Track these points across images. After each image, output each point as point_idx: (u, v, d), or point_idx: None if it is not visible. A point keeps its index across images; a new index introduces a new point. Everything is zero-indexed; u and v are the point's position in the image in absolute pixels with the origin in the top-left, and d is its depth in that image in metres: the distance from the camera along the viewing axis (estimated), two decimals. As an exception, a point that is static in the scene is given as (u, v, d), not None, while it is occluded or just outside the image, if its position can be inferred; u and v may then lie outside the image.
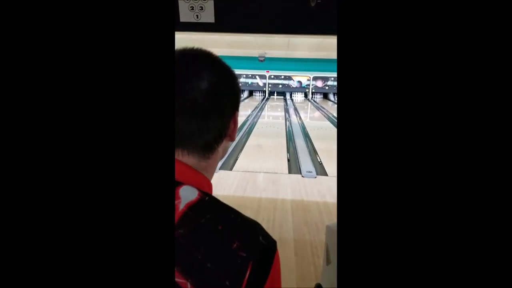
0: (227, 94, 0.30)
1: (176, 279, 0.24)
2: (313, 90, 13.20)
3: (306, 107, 11.34)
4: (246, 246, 0.25)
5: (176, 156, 0.29)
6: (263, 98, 12.81)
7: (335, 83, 13.34)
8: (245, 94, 13.57)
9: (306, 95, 13.38)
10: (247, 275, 0.23)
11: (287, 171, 3.76)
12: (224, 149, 0.37)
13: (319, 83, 13.18)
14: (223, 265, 0.22)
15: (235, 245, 0.25)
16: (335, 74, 12.96)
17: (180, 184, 0.27)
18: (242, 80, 13.45)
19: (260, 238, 0.27)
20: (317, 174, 3.59)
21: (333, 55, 10.83)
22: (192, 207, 0.25)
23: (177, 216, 0.25)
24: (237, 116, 0.32)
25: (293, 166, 3.96)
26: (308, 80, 13.15)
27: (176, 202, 0.25)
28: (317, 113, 9.60)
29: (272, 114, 9.29)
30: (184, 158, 0.29)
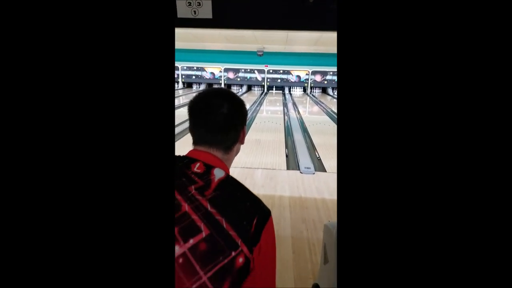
0: (238, 117, 0.48)
1: (215, 217, 0.40)
2: (312, 85, 13.16)
3: (304, 101, 11.31)
4: (254, 206, 0.41)
5: (209, 151, 0.48)
6: (262, 93, 12.78)
7: (334, 78, 13.28)
8: (244, 88, 13.53)
9: (305, 90, 13.35)
10: (254, 222, 0.39)
11: (285, 167, 3.73)
12: (237, 149, 0.60)
13: (318, 78, 13.12)
14: (241, 213, 0.37)
15: (248, 204, 0.42)
16: (334, 69, 12.91)
17: (213, 167, 0.44)
18: (240, 74, 13.41)
19: (261, 204, 0.46)
20: (315, 170, 3.58)
21: (332, 49, 10.77)
22: (222, 181, 0.41)
23: (213, 185, 0.41)
24: (245, 128, 0.52)
25: (292, 162, 3.94)
26: (306, 74, 13.10)
27: (211, 177, 0.41)
28: (316, 108, 9.58)
29: (271, 109, 9.26)
30: (214, 152, 0.47)
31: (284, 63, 13.01)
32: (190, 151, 0.53)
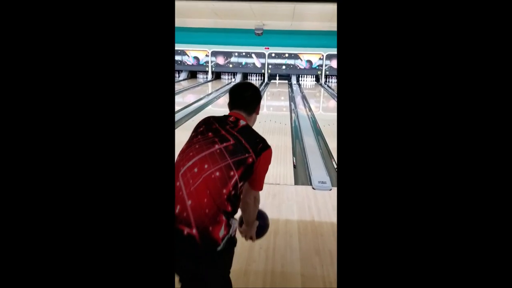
0: (255, 98, 1.38)
1: (238, 137, 1.30)
2: (327, 72, 13.18)
3: (318, 94, 11.34)
4: (260, 139, 1.27)
5: (239, 113, 1.39)
6: (261, 83, 12.82)
7: (356, 63, 13.29)
8: (237, 77, 13.56)
9: (317, 79, 13.41)
10: (259, 146, 1.21)
11: (292, 181, 3.77)
12: (254, 119, 1.54)
13: (335, 63, 12.96)
14: (253, 139, 1.21)
15: (257, 140, 1.28)
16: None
17: (240, 119, 1.30)
18: (233, 59, 13.47)
19: (265, 140, 1.32)
20: (332, 185, 3.57)
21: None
22: (244, 126, 1.26)
23: (239, 126, 1.28)
24: (260, 105, 1.44)
25: (301, 174, 4.00)
26: (320, 59, 13.13)
27: (239, 123, 1.27)
28: (332, 103, 9.57)
29: (273, 105, 9.29)
30: (241, 114, 1.35)
31: (290, 44, 13.09)
32: (229, 113, 1.40)
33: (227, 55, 13.53)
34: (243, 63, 13.51)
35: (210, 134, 1.39)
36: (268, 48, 13.28)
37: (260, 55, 13.41)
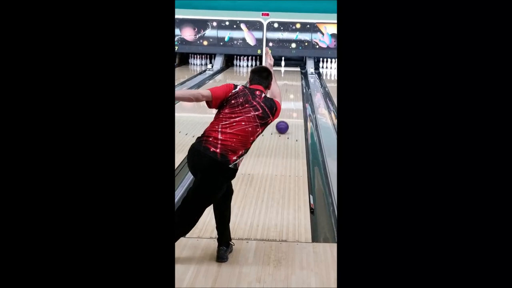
0: (270, 77, 3.83)
1: (263, 106, 3.66)
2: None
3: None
4: (276, 106, 3.70)
5: (259, 86, 3.76)
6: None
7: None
8: (217, 63, 13.34)
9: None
10: (273, 111, 3.61)
11: (309, 235, 3.86)
12: (269, 91, 4.08)
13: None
14: (271, 109, 3.57)
15: (274, 109, 3.69)
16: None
17: (263, 92, 3.73)
18: (208, 33, 13.28)
19: (278, 104, 3.85)
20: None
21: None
22: (266, 96, 3.66)
23: (263, 97, 3.66)
24: (272, 80, 3.90)
25: (322, 224, 4.13)
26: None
27: (262, 95, 3.64)
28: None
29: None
30: (261, 87, 3.75)
31: (303, 9, 13.24)
32: (251, 86, 3.72)
33: (200, 25, 13.40)
34: (226, 38, 13.49)
35: (247, 105, 3.40)
36: (268, 14, 13.25)
37: (254, 26, 13.37)
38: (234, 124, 3.34)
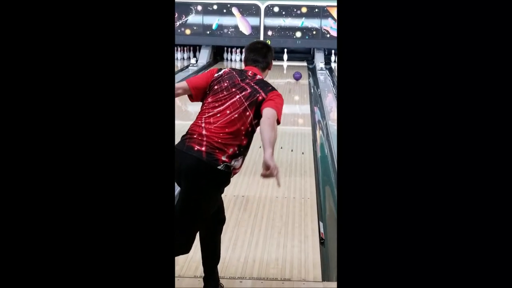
0: (269, 55, 3.30)
1: (254, 86, 3.13)
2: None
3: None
4: (272, 88, 3.14)
5: (254, 67, 3.28)
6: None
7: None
8: (203, 56, 12.89)
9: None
10: (268, 89, 3.05)
11: (318, 272, 3.61)
12: (267, 73, 3.50)
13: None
14: (265, 88, 3.03)
15: (270, 88, 3.14)
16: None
17: (257, 74, 3.21)
18: (192, 19, 12.78)
19: (275, 89, 3.23)
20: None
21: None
22: (259, 79, 3.16)
23: (255, 79, 3.15)
24: (272, 62, 3.39)
25: (335, 258, 3.70)
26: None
27: (256, 77, 3.14)
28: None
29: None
30: (257, 68, 3.26)
31: None
32: (246, 67, 3.29)
33: (181, 9, 12.75)
34: (214, 26, 12.96)
35: (233, 89, 3.01)
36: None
37: (249, 10, 12.88)
38: (219, 115, 2.95)
